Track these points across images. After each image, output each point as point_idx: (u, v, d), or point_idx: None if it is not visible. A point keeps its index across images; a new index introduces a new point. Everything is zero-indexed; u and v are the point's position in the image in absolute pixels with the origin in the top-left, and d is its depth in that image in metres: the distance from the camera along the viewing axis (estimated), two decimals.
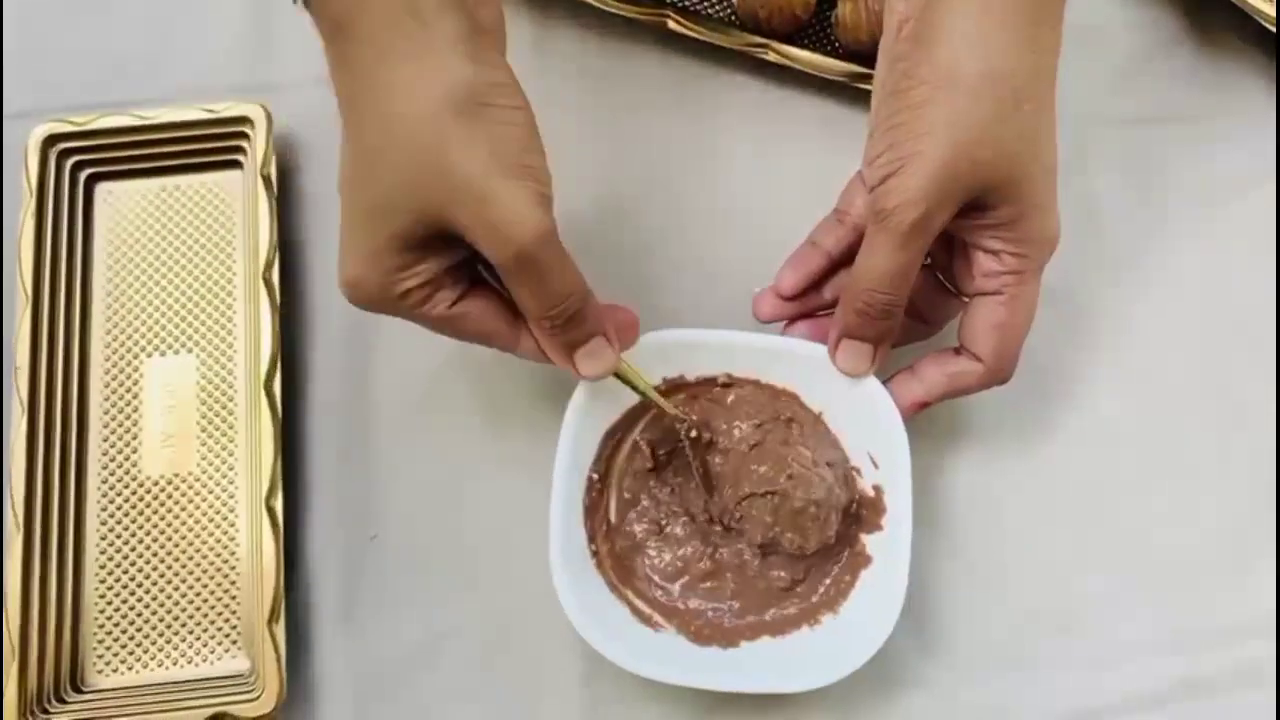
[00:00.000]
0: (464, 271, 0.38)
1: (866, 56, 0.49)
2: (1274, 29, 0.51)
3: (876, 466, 0.44)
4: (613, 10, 0.51)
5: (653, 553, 0.45)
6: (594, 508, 0.44)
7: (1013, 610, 0.46)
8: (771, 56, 0.51)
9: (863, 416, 0.44)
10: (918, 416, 0.43)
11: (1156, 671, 0.46)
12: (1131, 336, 0.50)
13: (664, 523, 0.45)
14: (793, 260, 0.45)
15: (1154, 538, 0.47)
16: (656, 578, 0.44)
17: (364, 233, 0.37)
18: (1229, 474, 0.48)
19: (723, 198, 0.51)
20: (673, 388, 0.45)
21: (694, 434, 0.44)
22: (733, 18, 0.52)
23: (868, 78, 0.50)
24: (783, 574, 0.44)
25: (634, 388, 0.42)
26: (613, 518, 0.45)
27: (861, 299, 0.40)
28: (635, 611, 0.44)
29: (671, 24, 0.51)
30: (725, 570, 0.44)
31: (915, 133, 0.37)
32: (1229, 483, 0.48)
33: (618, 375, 0.41)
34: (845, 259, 0.43)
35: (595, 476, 0.44)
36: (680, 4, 0.52)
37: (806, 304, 0.45)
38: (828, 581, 0.44)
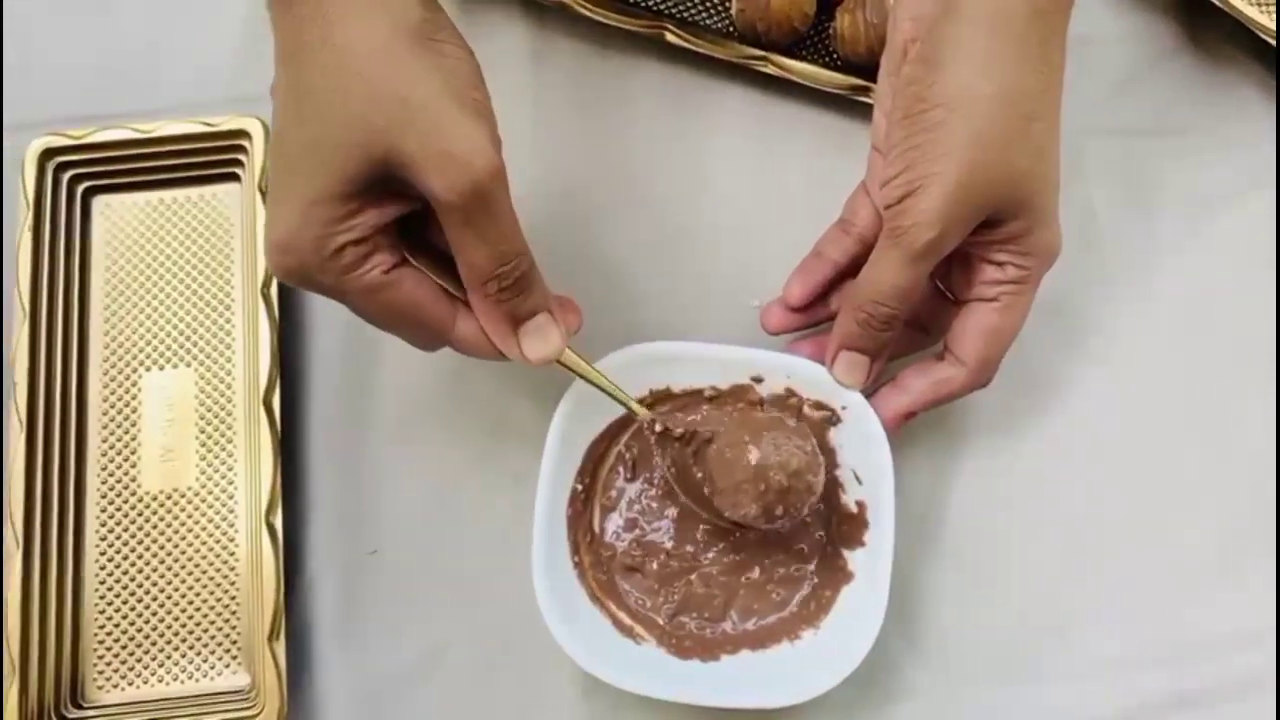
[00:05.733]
0: (397, 241, 0.37)
1: (865, 69, 0.50)
2: (1271, 40, 0.51)
3: (860, 482, 0.44)
4: (611, 23, 0.51)
5: (635, 564, 0.45)
6: (578, 518, 0.44)
7: (1008, 620, 0.47)
8: (770, 69, 0.51)
9: (847, 432, 0.44)
10: (912, 427, 0.43)
11: (1150, 683, 0.46)
12: (1126, 347, 0.50)
13: (647, 534, 0.45)
14: (800, 271, 0.45)
15: (1148, 548, 0.48)
16: (637, 590, 0.45)
17: (300, 178, 0.34)
18: (1223, 484, 0.49)
19: (719, 210, 0.51)
20: (658, 399, 0.45)
21: (658, 428, 0.43)
22: (731, 30, 0.52)
23: (867, 90, 0.50)
24: (767, 582, 0.44)
25: (585, 378, 0.41)
26: (596, 529, 0.45)
27: (865, 310, 0.40)
28: (617, 624, 0.44)
29: (670, 36, 0.51)
30: (708, 582, 0.45)
31: (932, 154, 0.37)
32: (1223, 493, 0.48)
33: (565, 365, 0.40)
34: (851, 270, 0.43)
35: (580, 487, 0.44)
36: (679, 16, 0.52)
37: (814, 315, 0.45)
38: (807, 594, 0.44)
